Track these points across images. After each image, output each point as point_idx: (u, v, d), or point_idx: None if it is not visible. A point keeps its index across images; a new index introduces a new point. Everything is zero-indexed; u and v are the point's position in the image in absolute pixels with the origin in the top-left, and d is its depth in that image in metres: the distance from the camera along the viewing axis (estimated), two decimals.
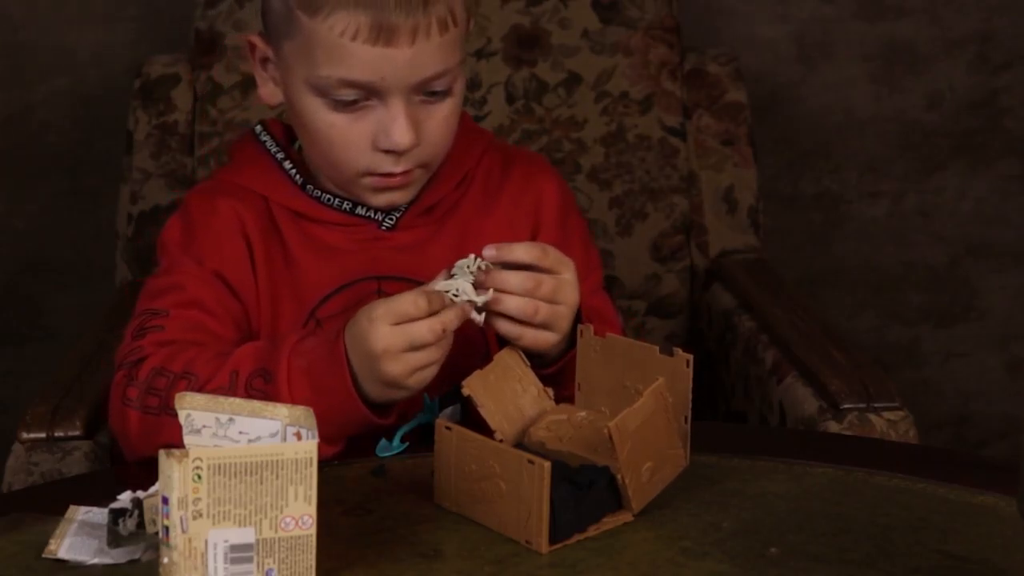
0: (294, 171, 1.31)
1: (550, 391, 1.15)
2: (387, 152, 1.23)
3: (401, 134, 1.21)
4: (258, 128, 1.35)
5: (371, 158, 1.24)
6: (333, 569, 0.96)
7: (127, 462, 1.24)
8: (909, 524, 1.04)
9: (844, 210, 2.36)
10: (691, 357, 1.07)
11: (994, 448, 2.45)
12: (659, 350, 1.09)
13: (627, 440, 1.01)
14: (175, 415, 0.97)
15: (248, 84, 1.90)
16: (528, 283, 1.15)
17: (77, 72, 2.20)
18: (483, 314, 1.14)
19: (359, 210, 1.30)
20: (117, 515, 1.00)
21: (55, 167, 2.23)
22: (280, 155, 1.32)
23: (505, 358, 1.13)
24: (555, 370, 1.19)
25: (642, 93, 1.96)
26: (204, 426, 0.96)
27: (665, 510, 1.06)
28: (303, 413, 0.96)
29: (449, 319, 1.12)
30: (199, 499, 0.89)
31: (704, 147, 1.96)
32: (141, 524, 1.00)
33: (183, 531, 0.89)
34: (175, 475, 0.88)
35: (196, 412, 0.96)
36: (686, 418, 1.08)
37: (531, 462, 0.98)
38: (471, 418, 1.12)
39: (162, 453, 0.89)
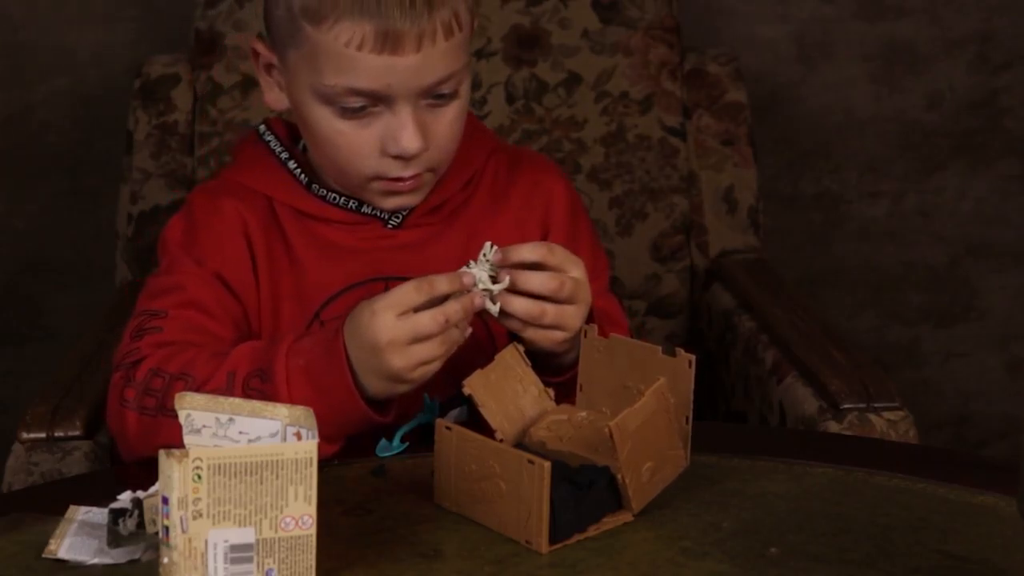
0: (298, 170, 1.31)
1: (551, 391, 1.15)
2: (395, 157, 1.23)
3: (409, 140, 1.21)
4: (262, 128, 1.35)
5: (379, 163, 1.23)
6: (333, 569, 0.96)
7: (126, 462, 1.24)
8: (909, 524, 1.04)
9: (844, 210, 2.36)
10: (693, 357, 1.07)
11: (994, 448, 2.45)
12: (661, 351, 1.09)
13: (627, 440, 1.01)
14: (172, 416, 0.97)
15: (248, 84, 1.90)
16: (551, 283, 1.15)
17: (77, 72, 2.20)
18: (498, 304, 1.14)
19: (365, 208, 1.30)
20: (117, 515, 1.00)
21: (55, 167, 2.23)
22: (284, 155, 1.32)
23: (506, 358, 1.13)
24: (567, 378, 1.19)
25: (642, 93, 1.96)
26: (204, 426, 0.96)
27: (665, 510, 1.06)
28: (303, 413, 0.96)
29: (453, 310, 1.11)
30: (199, 499, 0.89)
31: (704, 147, 1.96)
32: (141, 524, 1.00)
33: (183, 531, 0.89)
34: (175, 475, 0.88)
35: (196, 412, 0.96)
36: (687, 418, 1.08)
37: (531, 462, 0.98)
38: (476, 421, 1.12)
39: (162, 453, 0.89)
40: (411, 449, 1.18)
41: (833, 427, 1.43)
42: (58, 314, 2.27)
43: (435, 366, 1.13)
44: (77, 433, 1.41)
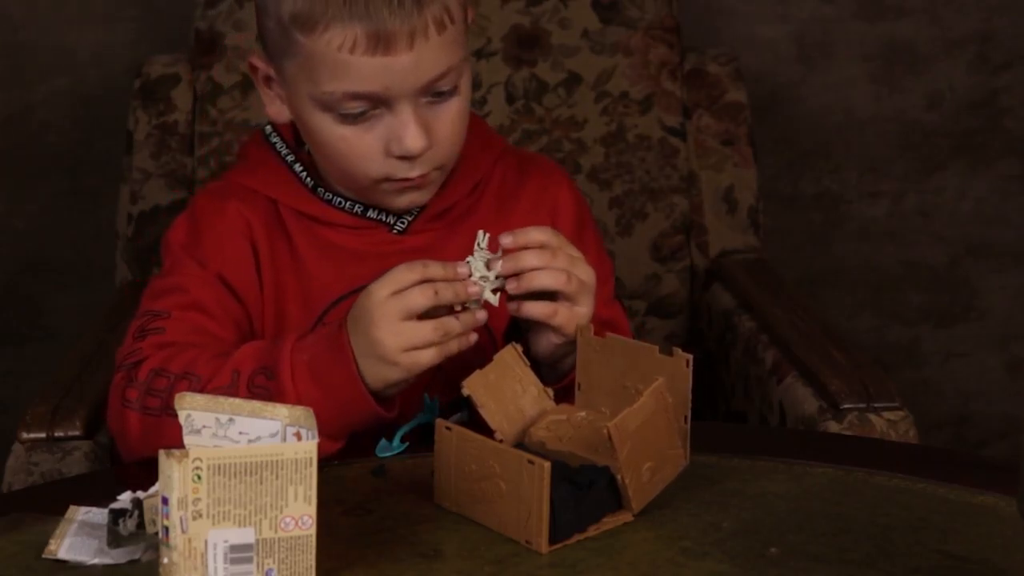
0: (304, 173, 1.31)
1: (550, 391, 1.15)
2: (401, 158, 1.22)
3: (413, 139, 1.21)
4: (267, 128, 1.34)
5: (386, 165, 1.23)
6: (333, 569, 0.96)
7: (126, 462, 1.24)
8: (909, 524, 1.04)
9: (844, 210, 2.36)
10: (691, 357, 1.07)
11: (994, 448, 2.45)
12: (659, 350, 1.09)
13: (627, 440, 1.01)
14: (176, 416, 0.97)
15: (248, 84, 1.89)
16: (545, 255, 1.15)
17: (77, 72, 2.20)
18: (498, 294, 1.14)
19: (370, 213, 1.29)
20: (117, 515, 1.00)
21: (55, 167, 2.23)
22: (290, 157, 1.31)
23: (505, 358, 1.13)
24: (563, 384, 1.18)
25: (642, 93, 1.96)
26: (204, 426, 0.96)
27: (665, 510, 1.06)
28: (303, 413, 0.96)
29: (443, 287, 1.11)
30: (199, 499, 0.89)
31: (704, 147, 1.96)
32: (141, 524, 1.00)
33: (183, 531, 0.89)
34: (175, 475, 0.88)
35: (196, 412, 0.96)
36: (686, 418, 1.08)
37: (531, 462, 0.98)
38: (476, 423, 1.11)
39: (162, 453, 0.89)
40: (411, 449, 1.18)
41: (833, 427, 1.43)
42: (58, 314, 2.27)
43: (428, 355, 1.12)
44: (77, 433, 1.41)
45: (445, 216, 1.31)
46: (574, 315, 1.16)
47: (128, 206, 1.91)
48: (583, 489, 1.02)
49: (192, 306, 1.25)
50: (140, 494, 1.02)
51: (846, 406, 1.44)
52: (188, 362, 1.18)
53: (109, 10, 2.19)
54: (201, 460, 0.88)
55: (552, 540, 1.00)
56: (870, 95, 2.32)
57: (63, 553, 1.00)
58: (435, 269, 1.12)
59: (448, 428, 1.04)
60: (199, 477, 0.88)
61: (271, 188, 1.31)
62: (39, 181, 2.23)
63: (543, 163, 1.43)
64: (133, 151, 1.92)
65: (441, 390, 1.22)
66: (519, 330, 1.22)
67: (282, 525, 0.91)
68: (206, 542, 0.90)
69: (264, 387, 1.14)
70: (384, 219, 1.30)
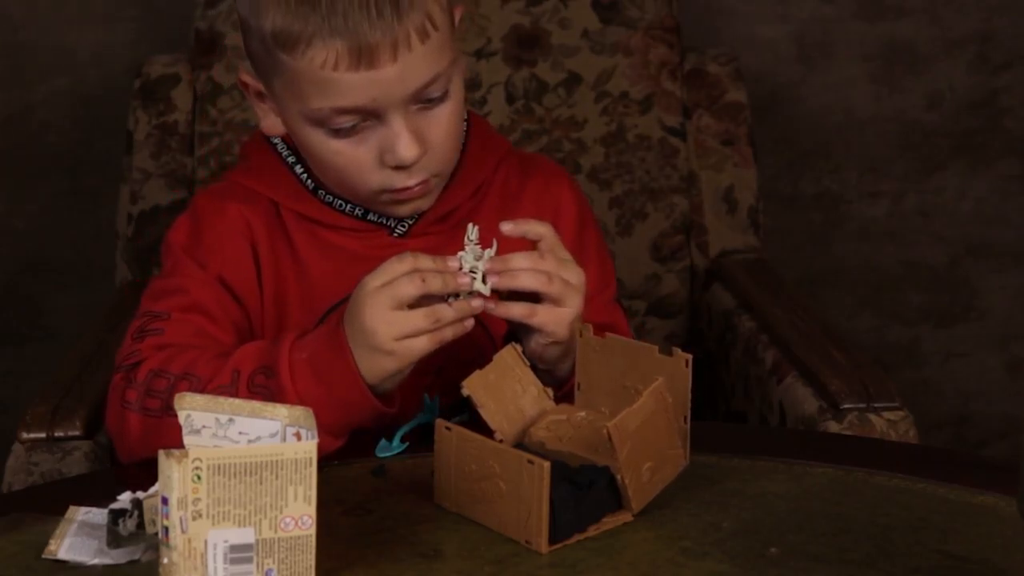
0: (304, 175, 1.30)
1: (550, 391, 1.15)
2: (396, 168, 1.22)
3: (406, 148, 1.20)
4: None
5: (383, 176, 1.23)
6: (333, 569, 0.96)
7: (125, 463, 1.24)
8: (909, 524, 1.04)
9: (844, 210, 2.36)
10: (690, 357, 1.07)
11: (994, 448, 2.45)
12: (658, 350, 1.09)
13: (627, 440, 1.01)
14: (176, 416, 0.97)
15: None
16: (532, 257, 1.15)
17: (77, 72, 2.20)
18: (488, 284, 1.14)
19: (371, 216, 1.29)
20: (117, 515, 1.00)
21: (55, 167, 2.23)
22: (291, 158, 1.31)
23: (504, 358, 1.13)
24: (563, 393, 1.18)
25: (642, 93, 1.96)
26: (204, 426, 0.96)
27: (665, 510, 1.06)
28: (303, 413, 0.96)
29: (431, 276, 1.11)
30: (199, 499, 0.89)
31: (704, 147, 1.96)
32: (141, 524, 1.00)
33: (183, 531, 0.89)
34: (175, 475, 0.88)
35: (196, 412, 0.96)
36: (685, 418, 1.08)
37: (531, 462, 0.98)
38: (477, 423, 1.11)
39: (162, 453, 0.89)
40: (411, 449, 1.18)
41: (833, 427, 1.43)
42: (58, 314, 2.27)
43: (421, 344, 1.11)
44: (77, 433, 1.41)
45: (447, 219, 1.30)
46: (557, 316, 1.16)
47: (128, 206, 1.91)
48: (583, 489, 1.02)
49: (192, 308, 1.25)
50: (140, 494, 1.02)
51: (846, 406, 1.44)
52: (188, 363, 1.18)
53: (109, 10, 2.19)
54: (201, 460, 0.88)
55: (552, 540, 1.00)
56: (870, 95, 2.32)
57: (63, 553, 1.00)
58: (425, 261, 1.12)
59: (448, 428, 1.04)
60: (199, 477, 0.88)
61: (272, 190, 1.30)
62: (39, 181, 2.23)
63: (545, 164, 1.42)
64: (133, 151, 1.92)
65: (441, 392, 1.22)
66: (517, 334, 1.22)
67: (282, 525, 0.91)
68: (206, 542, 0.90)
69: (264, 386, 1.14)
70: (385, 222, 1.29)
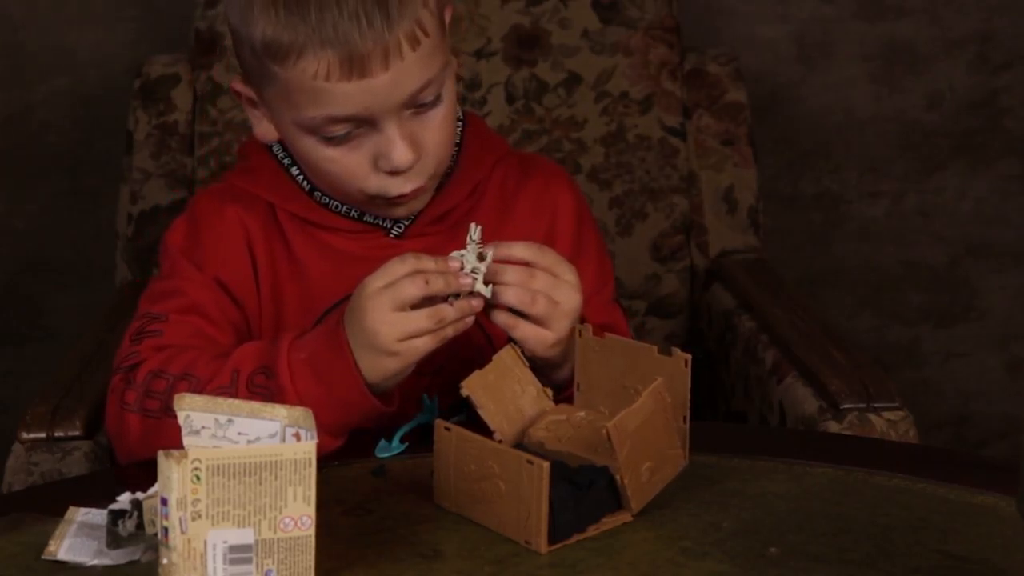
0: (301, 177, 1.30)
1: (549, 391, 1.15)
2: (391, 173, 1.22)
3: (400, 154, 1.20)
4: None
5: (377, 182, 1.22)
6: (333, 569, 0.96)
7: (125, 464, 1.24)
8: (909, 524, 1.04)
9: (844, 210, 2.36)
10: (689, 357, 1.07)
11: (994, 448, 2.45)
12: (658, 350, 1.09)
13: (626, 440, 1.01)
14: (175, 417, 0.97)
15: None
16: (522, 274, 1.15)
17: (77, 72, 2.20)
18: (490, 285, 1.14)
19: (367, 217, 1.29)
20: (116, 516, 1.00)
21: (55, 167, 2.23)
22: (287, 160, 1.31)
23: (504, 358, 1.13)
24: (568, 395, 1.18)
25: (642, 93, 1.96)
26: (203, 427, 0.96)
27: (665, 510, 1.05)
28: (302, 414, 0.96)
29: (434, 278, 1.11)
30: (198, 500, 0.89)
31: (704, 147, 1.96)
32: (140, 525, 1.00)
33: (182, 532, 0.89)
34: (174, 476, 0.88)
35: (195, 413, 0.96)
36: (685, 418, 1.08)
37: (530, 462, 0.98)
38: (476, 423, 1.11)
39: (161, 454, 0.89)
40: (411, 449, 1.18)
41: (833, 427, 1.43)
42: (58, 314, 2.27)
43: (424, 343, 1.12)
44: (77, 433, 1.41)
45: (444, 219, 1.30)
46: (538, 335, 1.16)
47: (128, 206, 1.91)
48: (582, 489, 1.02)
49: (190, 309, 1.25)
50: (139, 495, 1.02)
51: (846, 406, 1.44)
52: (187, 363, 1.18)
53: (109, 10, 2.19)
54: (200, 461, 0.88)
55: (551, 540, 1.00)
56: (870, 95, 2.32)
57: (63, 554, 1.00)
58: (427, 262, 1.12)
59: (447, 428, 1.04)
60: (198, 478, 0.88)
61: (268, 191, 1.30)
62: (39, 181, 2.23)
63: (544, 164, 1.42)
64: (133, 151, 1.92)
65: (440, 392, 1.22)
66: None
67: (281, 526, 0.91)
68: (205, 543, 0.90)
69: (264, 386, 1.14)
70: (382, 223, 1.29)
